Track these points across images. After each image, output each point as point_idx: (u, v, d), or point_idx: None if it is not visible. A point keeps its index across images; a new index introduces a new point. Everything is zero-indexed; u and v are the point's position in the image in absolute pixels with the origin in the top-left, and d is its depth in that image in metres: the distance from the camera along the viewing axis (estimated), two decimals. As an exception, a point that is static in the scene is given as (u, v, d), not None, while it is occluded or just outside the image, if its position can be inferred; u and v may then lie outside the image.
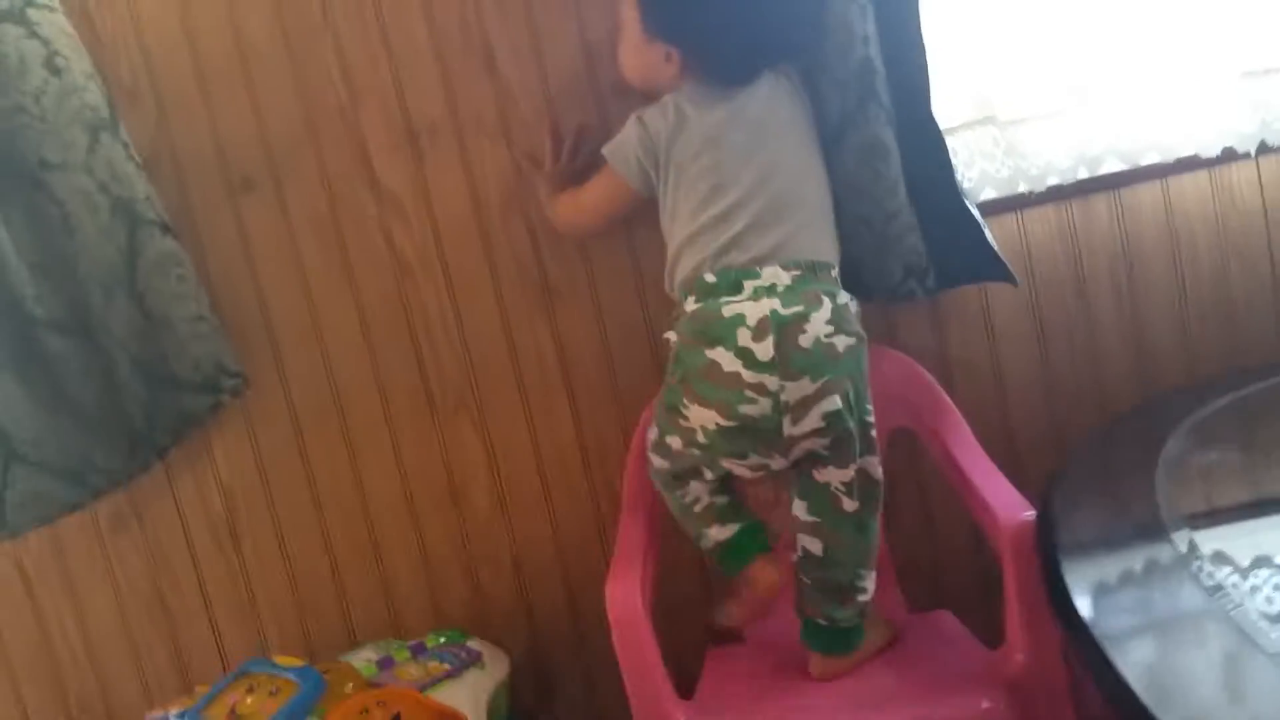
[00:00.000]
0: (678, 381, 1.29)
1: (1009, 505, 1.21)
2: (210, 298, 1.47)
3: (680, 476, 1.32)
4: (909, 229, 1.38)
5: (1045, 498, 1.18)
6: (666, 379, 1.32)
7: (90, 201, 1.38)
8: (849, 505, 1.27)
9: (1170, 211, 1.53)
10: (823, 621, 1.29)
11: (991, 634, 1.24)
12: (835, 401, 1.23)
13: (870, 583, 1.29)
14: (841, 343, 1.25)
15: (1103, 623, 0.92)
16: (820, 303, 1.25)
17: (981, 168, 1.50)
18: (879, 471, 1.29)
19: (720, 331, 1.24)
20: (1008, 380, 1.55)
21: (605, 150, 1.38)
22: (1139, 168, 1.50)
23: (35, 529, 1.48)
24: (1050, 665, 1.16)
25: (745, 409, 1.23)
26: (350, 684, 1.32)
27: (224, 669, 1.55)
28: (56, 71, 1.36)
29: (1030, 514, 1.18)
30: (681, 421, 1.28)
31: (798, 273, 1.27)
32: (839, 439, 1.25)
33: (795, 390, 1.23)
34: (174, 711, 1.29)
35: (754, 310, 1.24)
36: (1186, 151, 1.49)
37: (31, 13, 1.36)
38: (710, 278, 1.28)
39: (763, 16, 1.30)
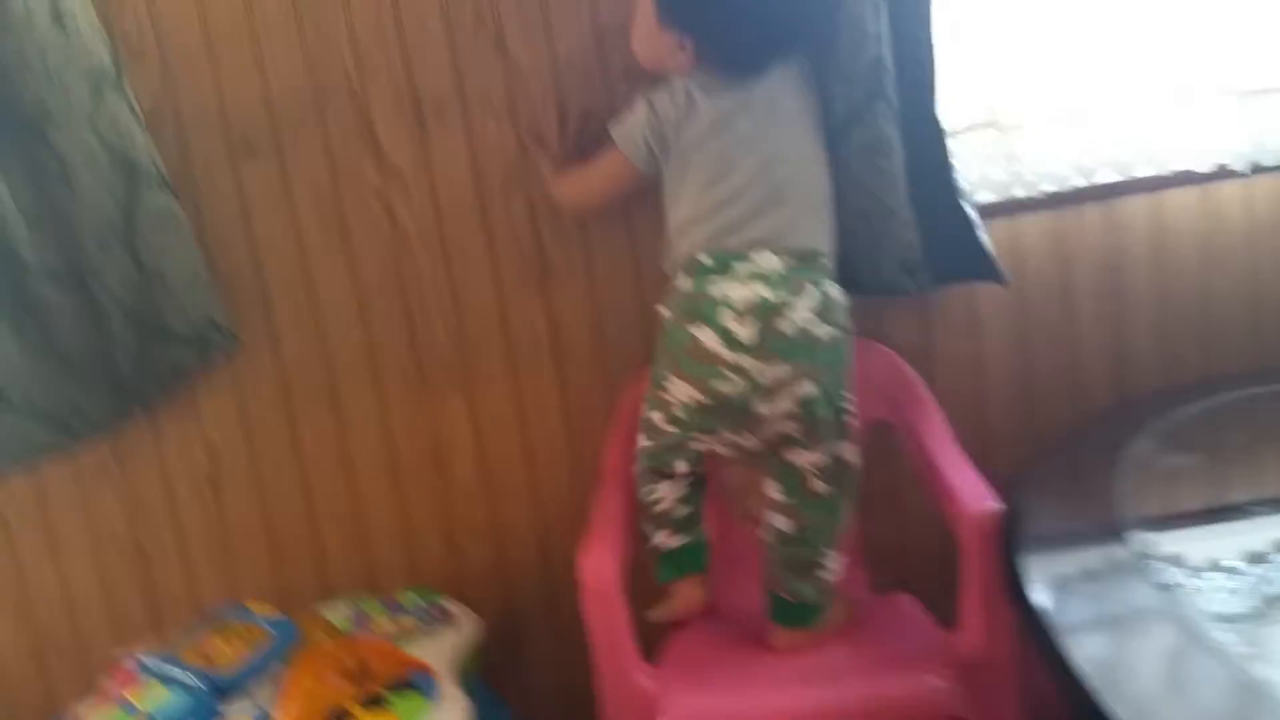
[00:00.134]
0: (662, 352, 1.32)
1: (975, 497, 1.24)
2: (205, 256, 1.49)
3: (657, 469, 1.35)
4: (906, 226, 1.41)
5: (1011, 492, 1.22)
6: (656, 353, 1.35)
7: (91, 156, 1.40)
8: (819, 487, 1.30)
9: (1160, 224, 1.56)
10: (787, 596, 1.32)
11: (949, 618, 1.27)
12: (810, 387, 1.26)
13: (834, 562, 1.32)
14: (823, 331, 1.27)
15: (1057, 614, 0.95)
16: (807, 291, 1.28)
17: (981, 170, 1.52)
18: (854, 457, 1.32)
19: (706, 310, 1.28)
20: (988, 377, 1.57)
21: (612, 130, 1.40)
22: (1132, 179, 1.52)
23: (16, 470, 1.51)
24: (1000, 649, 1.20)
25: (721, 387, 1.26)
26: (323, 634, 1.36)
27: (197, 615, 1.55)
28: (62, 25, 1.37)
29: (994, 505, 1.21)
30: (663, 395, 1.31)
31: (790, 260, 1.30)
32: (812, 424, 1.28)
33: (772, 373, 1.26)
34: (145, 652, 1.32)
35: (741, 293, 1.27)
36: (1180, 166, 1.51)
37: (38, -34, 1.37)
38: (704, 258, 1.31)
39: (776, 12, 1.32)
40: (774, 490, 1.32)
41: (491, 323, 1.56)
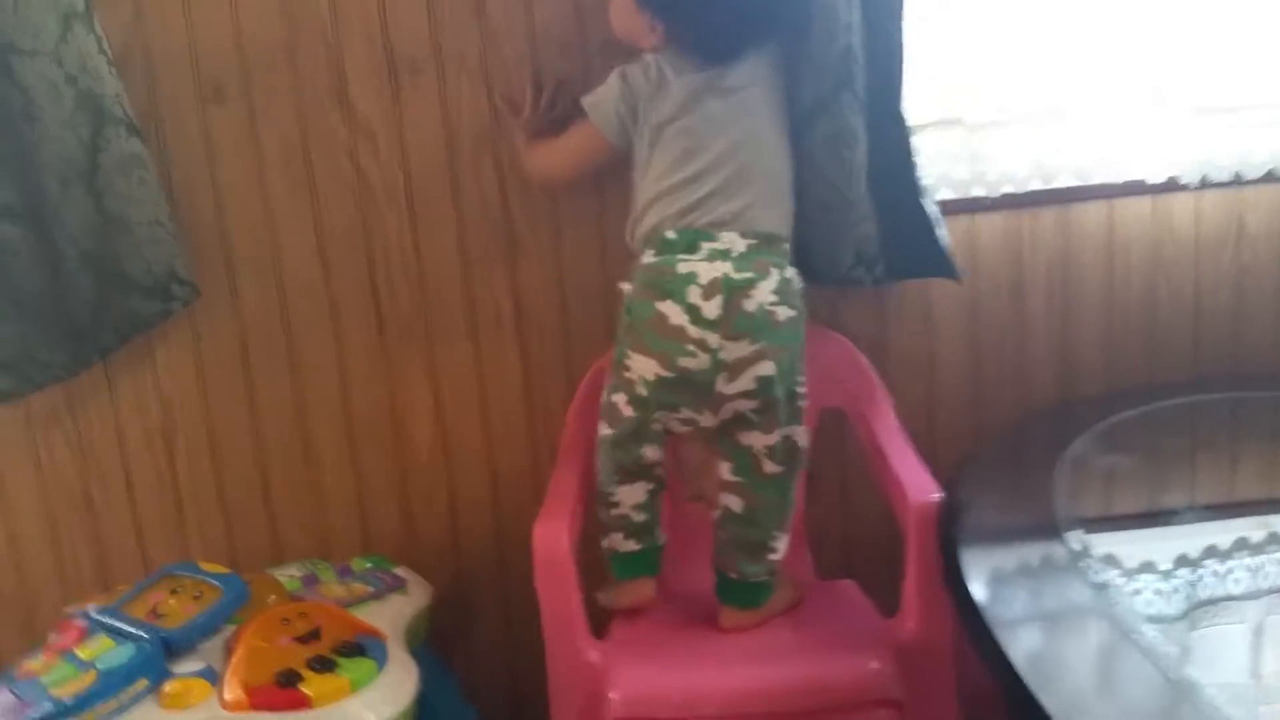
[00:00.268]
0: (625, 330, 1.34)
1: (920, 487, 1.28)
2: (169, 205, 1.46)
3: (619, 464, 1.35)
4: (865, 218, 1.43)
5: (953, 483, 1.25)
6: (618, 332, 1.36)
7: (56, 91, 1.36)
8: (770, 469, 1.33)
9: (1112, 231, 1.60)
10: (734, 576, 1.35)
11: (891, 605, 1.31)
12: (769, 367, 1.29)
13: (782, 544, 1.36)
14: (783, 313, 1.30)
15: (994, 607, 0.97)
16: (769, 273, 1.30)
17: (943, 168, 1.54)
18: (804, 440, 1.35)
19: (672, 286, 1.29)
20: (938, 370, 1.61)
21: (585, 102, 1.41)
22: (1089, 185, 1.56)
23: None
24: (938, 637, 1.24)
25: (685, 361, 1.28)
26: (273, 596, 1.35)
27: (146, 572, 1.54)
28: (30, -44, 1.33)
29: (937, 495, 1.24)
30: (625, 374, 1.33)
31: (753, 241, 1.32)
32: (767, 403, 1.30)
33: (734, 350, 1.28)
34: (93, 606, 1.30)
35: (707, 270, 1.29)
36: (1134, 175, 1.56)
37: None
38: (671, 234, 1.33)
39: (749, 5, 1.33)
40: (726, 471, 1.35)
41: (455, 289, 1.55)
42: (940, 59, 1.51)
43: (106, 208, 1.42)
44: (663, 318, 1.29)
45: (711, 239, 1.31)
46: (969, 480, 1.27)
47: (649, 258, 1.34)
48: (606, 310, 1.52)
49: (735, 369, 1.29)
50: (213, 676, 1.19)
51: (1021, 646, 0.90)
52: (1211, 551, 1.10)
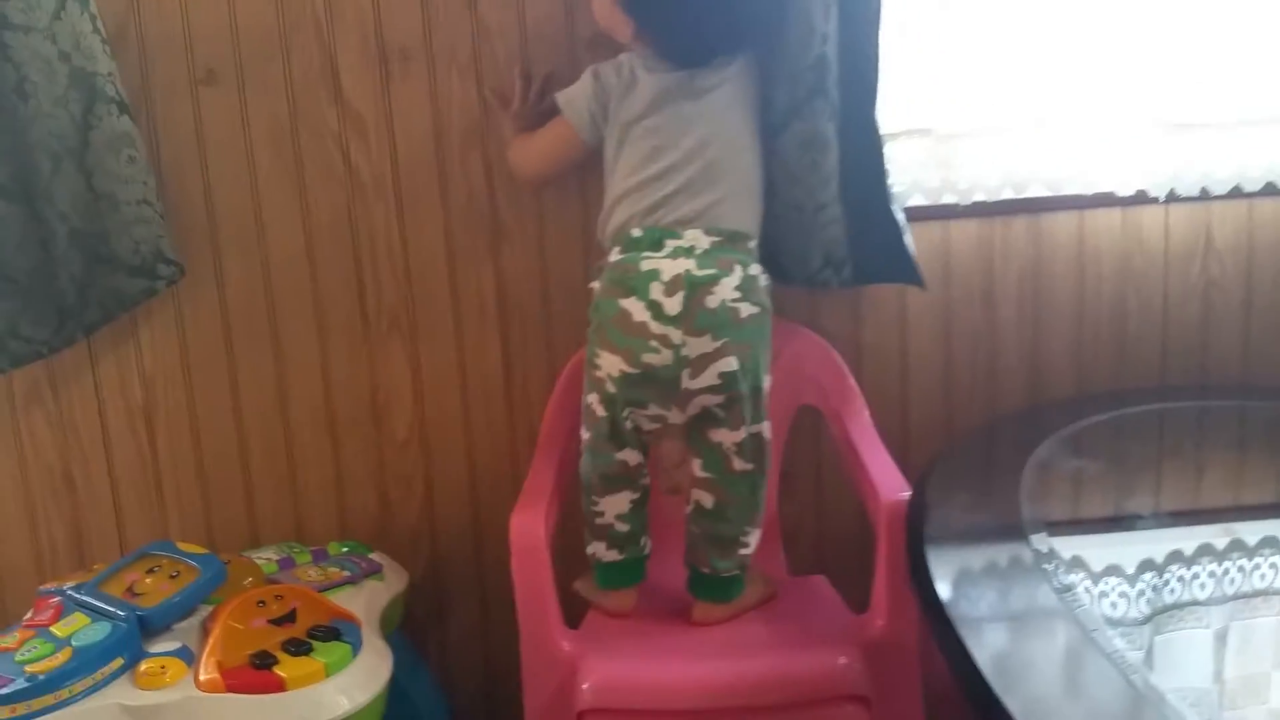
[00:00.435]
0: (594, 330, 1.35)
1: (890, 485, 1.30)
2: (158, 185, 1.46)
3: (602, 471, 1.36)
4: (834, 221, 1.45)
5: (922, 483, 1.25)
6: (589, 333, 1.37)
7: (49, 68, 1.36)
8: (740, 465, 1.34)
9: (1082, 241, 1.63)
10: (706, 570, 1.37)
11: (862, 601, 1.33)
12: (732, 363, 1.30)
13: (753, 539, 1.37)
14: (745, 310, 1.32)
15: (959, 607, 0.97)
16: (732, 270, 1.32)
17: (914, 175, 1.57)
18: (769, 435, 1.36)
19: (635, 283, 1.31)
20: (911, 372, 1.64)
21: (559, 98, 1.43)
22: (1060, 196, 1.59)
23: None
24: (906, 635, 1.26)
25: (648, 357, 1.30)
26: (250, 578, 1.35)
27: (122, 551, 1.56)
28: (26, -67, 1.33)
29: (907, 494, 1.26)
30: (595, 372, 1.34)
31: (717, 239, 1.34)
32: (732, 399, 1.32)
33: (696, 346, 1.30)
34: (69, 584, 1.30)
35: (670, 267, 1.31)
36: (1104, 187, 1.58)
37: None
38: (636, 232, 1.35)
39: (723, 14, 1.35)
40: (698, 467, 1.37)
41: (440, 279, 1.56)
42: (917, 69, 1.53)
43: (96, 185, 1.42)
44: (626, 314, 1.31)
45: (676, 236, 1.33)
46: (938, 481, 1.28)
47: (615, 255, 1.36)
48: (588, 302, 1.52)
49: (698, 365, 1.30)
50: (189, 656, 1.20)
51: (986, 647, 0.90)
52: (1176, 557, 1.12)
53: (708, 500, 1.36)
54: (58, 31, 1.36)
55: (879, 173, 1.44)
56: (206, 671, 1.16)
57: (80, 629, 1.20)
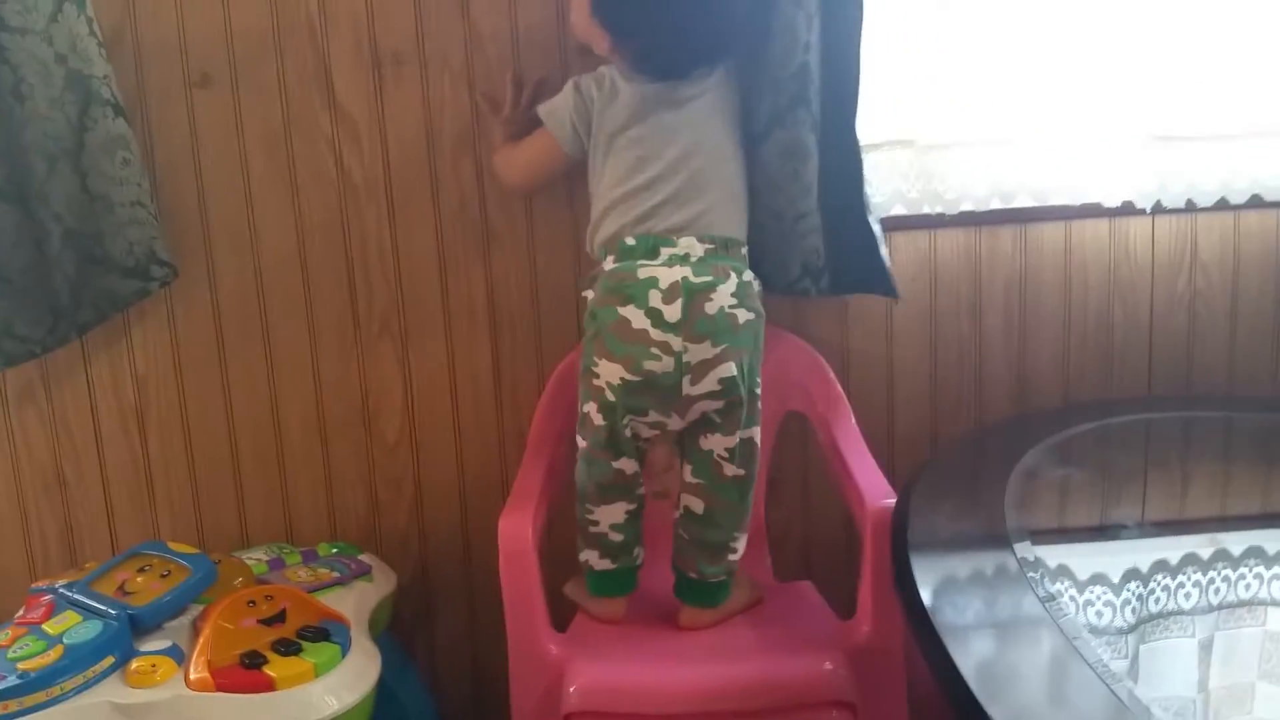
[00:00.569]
0: (590, 338, 1.36)
1: (876, 492, 1.31)
2: (152, 186, 1.47)
3: (598, 480, 1.36)
4: (813, 230, 1.46)
5: (908, 490, 1.26)
6: (584, 342, 1.38)
7: (46, 70, 1.37)
8: (731, 471, 1.35)
9: (1069, 251, 1.64)
10: (693, 575, 1.38)
11: (848, 607, 1.34)
12: (731, 368, 1.31)
13: (741, 545, 1.38)
14: (742, 315, 1.33)
15: (943, 615, 0.97)
16: (728, 276, 1.33)
17: (896, 186, 1.58)
18: (759, 440, 1.37)
19: (634, 291, 1.32)
20: (898, 380, 1.65)
21: (540, 110, 1.44)
22: (1047, 206, 1.60)
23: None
24: (890, 639, 1.27)
25: (650, 365, 1.31)
26: (240, 578, 1.36)
27: (114, 551, 1.56)
28: (23, -63, 1.33)
29: (893, 500, 1.26)
30: (593, 381, 1.34)
31: (710, 246, 1.35)
32: (731, 404, 1.33)
33: (697, 352, 1.31)
34: (61, 583, 1.31)
35: (667, 275, 1.32)
36: (1090, 198, 1.59)
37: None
38: (630, 241, 1.36)
39: (698, 28, 1.35)
40: (688, 473, 1.37)
41: (431, 283, 1.57)
42: (906, 80, 1.54)
43: (90, 187, 1.42)
44: (625, 322, 1.31)
45: (670, 244, 1.34)
46: (924, 488, 1.28)
47: (610, 264, 1.37)
48: (579, 310, 1.54)
49: (699, 371, 1.31)
50: (179, 655, 1.20)
51: (971, 655, 0.90)
52: (1161, 566, 1.12)
53: (697, 506, 1.37)
54: (54, 34, 1.37)
55: (857, 183, 1.45)
56: (196, 670, 1.17)
57: (71, 627, 1.21)
